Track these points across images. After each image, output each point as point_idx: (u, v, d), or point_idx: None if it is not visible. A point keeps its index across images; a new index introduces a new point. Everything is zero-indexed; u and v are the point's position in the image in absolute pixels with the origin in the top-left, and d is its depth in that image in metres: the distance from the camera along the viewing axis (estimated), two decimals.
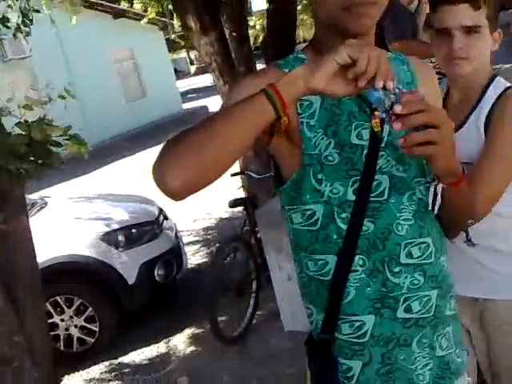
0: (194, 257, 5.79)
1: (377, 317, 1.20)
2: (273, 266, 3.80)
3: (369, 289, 1.19)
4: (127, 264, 4.27)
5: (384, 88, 1.00)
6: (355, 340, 1.21)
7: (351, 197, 1.17)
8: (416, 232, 1.21)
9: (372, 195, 1.18)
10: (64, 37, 14.29)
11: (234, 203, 4.45)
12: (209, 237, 6.42)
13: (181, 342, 4.19)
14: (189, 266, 5.13)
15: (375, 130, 1.17)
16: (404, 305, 1.20)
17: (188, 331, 4.31)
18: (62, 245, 4.18)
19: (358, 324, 1.21)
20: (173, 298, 4.69)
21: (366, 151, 1.18)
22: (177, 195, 1.04)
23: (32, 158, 2.54)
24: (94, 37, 15.52)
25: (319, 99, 1.19)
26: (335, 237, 1.19)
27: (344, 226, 1.18)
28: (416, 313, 1.21)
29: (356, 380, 1.23)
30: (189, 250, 5.68)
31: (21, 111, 2.59)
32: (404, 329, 1.21)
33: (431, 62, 3.86)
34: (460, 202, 1.23)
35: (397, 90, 1.02)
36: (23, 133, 2.52)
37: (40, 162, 2.57)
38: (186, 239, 6.03)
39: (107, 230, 4.31)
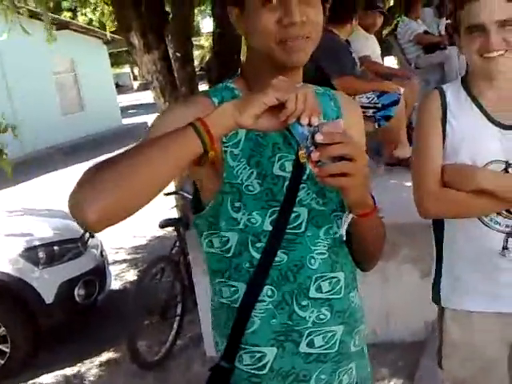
0: (120, 276, 5.65)
1: (279, 350, 1.20)
2: (199, 289, 3.75)
3: (274, 320, 1.19)
4: (46, 282, 4.12)
5: (309, 124, 1.02)
6: (254, 371, 1.21)
7: (268, 227, 1.18)
8: (328, 266, 1.22)
9: (289, 227, 1.19)
10: (2, 44, 13.91)
11: (165, 223, 4.39)
12: (137, 256, 6.29)
13: (97, 365, 4.05)
14: (113, 287, 5.00)
15: (301, 160, 1.16)
16: (307, 339, 1.21)
17: (106, 355, 4.18)
18: None
19: (258, 355, 1.20)
20: (93, 320, 4.54)
21: (287, 183, 1.19)
22: (93, 227, 1.00)
23: None
24: (35, 47, 15.17)
25: (244, 130, 1.18)
26: (247, 265, 1.19)
27: (257, 256, 1.18)
28: (318, 347, 1.21)
29: None
30: (114, 270, 5.55)
31: None
32: (304, 364, 1.21)
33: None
34: (371, 234, 1.24)
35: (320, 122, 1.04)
36: None
37: None
38: (112, 258, 5.89)
39: (27, 246, 4.15)
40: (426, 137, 1.70)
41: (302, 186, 1.20)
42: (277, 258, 1.18)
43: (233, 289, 1.21)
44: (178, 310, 4.08)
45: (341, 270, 1.24)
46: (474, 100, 1.68)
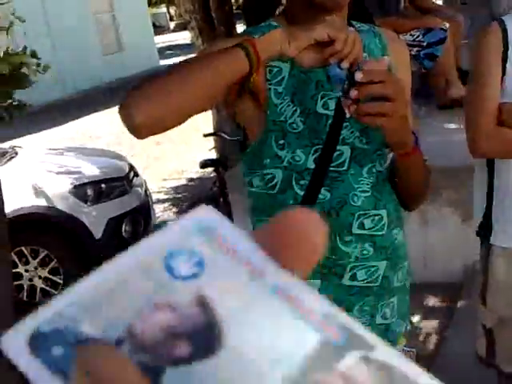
0: (163, 215, 5.81)
1: (323, 282, 1.23)
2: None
3: None
4: (95, 218, 4.28)
5: (348, 69, 1.04)
6: None
7: (311, 165, 1.20)
8: (371, 204, 1.24)
9: (332, 165, 1.20)
10: None
11: (205, 164, 4.46)
12: (179, 196, 6.43)
13: None
14: (157, 224, 5.15)
15: None
16: (350, 273, 1.23)
17: None
18: (31, 196, 4.17)
19: None
20: None
21: (330, 121, 1.20)
22: (139, 131, 1.07)
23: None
24: None
25: (289, 66, 1.21)
26: (291, 202, 1.21)
27: (301, 193, 1.21)
28: (361, 281, 1.24)
29: None
30: (158, 208, 5.70)
31: None
32: (347, 296, 1.24)
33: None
34: (413, 173, 1.26)
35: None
36: None
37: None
38: (155, 197, 6.04)
39: (76, 183, 4.29)
40: (484, 74, 1.65)
41: (345, 124, 1.21)
42: (320, 196, 1.20)
43: None
44: None
45: (384, 208, 1.25)
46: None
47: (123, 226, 4.39)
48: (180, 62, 1.13)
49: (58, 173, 4.42)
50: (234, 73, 1.08)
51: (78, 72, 15.02)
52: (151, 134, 1.09)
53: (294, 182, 1.21)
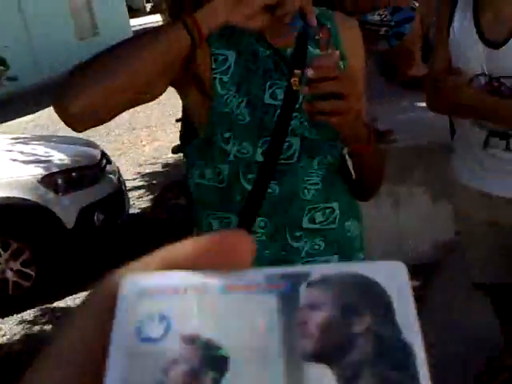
0: (138, 202, 5.75)
1: None
2: None
3: (267, 251, 1.19)
4: (66, 208, 4.21)
5: (301, 13, 1.04)
6: None
7: (259, 158, 1.16)
8: (322, 197, 1.21)
9: (281, 157, 1.16)
10: None
11: (178, 149, 4.41)
12: (154, 182, 6.37)
13: None
14: (131, 211, 5.10)
15: (293, 88, 1.14)
16: None
17: None
18: None
19: None
20: (113, 244, 4.68)
21: (279, 111, 1.16)
22: (75, 125, 1.02)
23: None
24: None
25: (234, 54, 1.17)
26: (238, 197, 1.18)
27: (249, 187, 1.17)
28: None
29: None
30: (132, 195, 5.64)
31: None
32: None
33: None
34: (368, 167, 1.23)
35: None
36: None
37: None
38: (130, 184, 5.97)
39: (46, 172, 4.22)
40: (436, 37, 1.91)
41: (294, 114, 1.16)
42: (269, 190, 1.16)
43: (225, 221, 1.20)
44: (194, 233, 4.17)
45: (335, 200, 1.22)
46: (474, 13, 1.81)
47: (96, 215, 4.33)
48: (114, 45, 1.05)
49: (26, 162, 4.33)
50: (175, 51, 1.02)
51: (53, 57, 14.77)
52: (90, 126, 1.04)
53: (241, 177, 1.17)
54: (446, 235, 3.45)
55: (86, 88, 0.98)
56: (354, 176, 1.26)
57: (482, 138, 1.92)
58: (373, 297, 0.23)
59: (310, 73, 0.98)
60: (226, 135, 1.15)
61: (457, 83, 1.82)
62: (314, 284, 0.23)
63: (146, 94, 1.08)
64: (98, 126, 1.06)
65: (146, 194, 6.02)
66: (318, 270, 0.23)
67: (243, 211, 1.17)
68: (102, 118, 1.03)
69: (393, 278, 0.24)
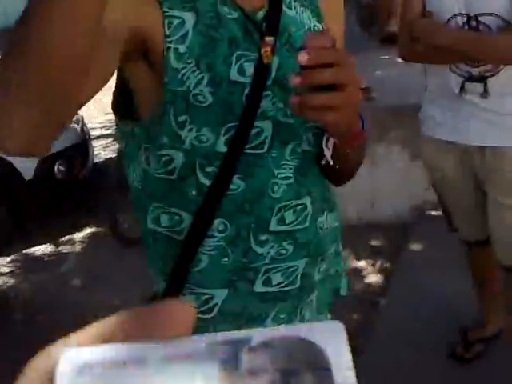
0: (104, 152, 5.56)
1: (230, 290, 1.02)
2: None
3: (226, 259, 1.00)
4: (24, 159, 3.99)
5: None
6: (200, 315, 1.01)
7: (222, 148, 0.95)
8: (293, 193, 1.01)
9: (248, 147, 0.96)
10: None
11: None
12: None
13: (80, 240, 4.06)
14: (96, 161, 4.91)
15: (264, 61, 0.95)
16: (263, 277, 1.02)
17: (88, 230, 4.18)
18: None
19: (205, 297, 1.02)
20: (74, 196, 4.50)
21: (247, 90, 0.94)
22: (29, 151, 0.82)
23: None
24: None
25: (193, 17, 0.93)
26: (194, 193, 0.98)
27: (207, 182, 0.97)
28: (276, 285, 1.04)
29: None
30: (97, 145, 5.44)
31: None
32: (260, 304, 1.04)
33: None
34: (353, 156, 1.02)
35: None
36: None
37: None
38: (97, 132, 5.76)
39: None
40: None
41: (265, 93, 0.95)
42: (231, 186, 0.97)
43: (176, 217, 1.00)
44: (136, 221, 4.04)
45: (307, 195, 1.03)
46: None
47: (56, 166, 4.14)
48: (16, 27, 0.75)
49: None
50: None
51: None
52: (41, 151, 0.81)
53: (197, 169, 0.96)
54: (421, 195, 3.38)
55: (14, 115, 0.75)
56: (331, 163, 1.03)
57: (458, 84, 1.92)
58: (313, 359, 0.23)
59: (303, 57, 0.78)
60: (181, 118, 0.93)
61: (433, 25, 1.81)
62: (254, 349, 0.23)
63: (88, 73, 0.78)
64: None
65: (113, 143, 5.82)
66: (259, 335, 0.23)
67: (199, 211, 0.98)
68: (50, 136, 0.80)
69: (331, 338, 0.23)
